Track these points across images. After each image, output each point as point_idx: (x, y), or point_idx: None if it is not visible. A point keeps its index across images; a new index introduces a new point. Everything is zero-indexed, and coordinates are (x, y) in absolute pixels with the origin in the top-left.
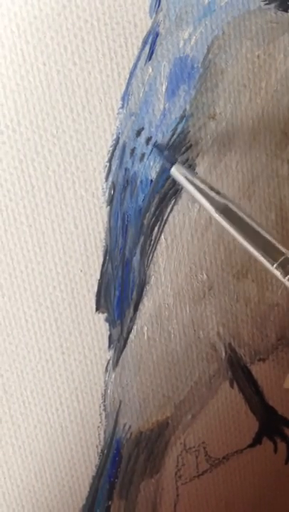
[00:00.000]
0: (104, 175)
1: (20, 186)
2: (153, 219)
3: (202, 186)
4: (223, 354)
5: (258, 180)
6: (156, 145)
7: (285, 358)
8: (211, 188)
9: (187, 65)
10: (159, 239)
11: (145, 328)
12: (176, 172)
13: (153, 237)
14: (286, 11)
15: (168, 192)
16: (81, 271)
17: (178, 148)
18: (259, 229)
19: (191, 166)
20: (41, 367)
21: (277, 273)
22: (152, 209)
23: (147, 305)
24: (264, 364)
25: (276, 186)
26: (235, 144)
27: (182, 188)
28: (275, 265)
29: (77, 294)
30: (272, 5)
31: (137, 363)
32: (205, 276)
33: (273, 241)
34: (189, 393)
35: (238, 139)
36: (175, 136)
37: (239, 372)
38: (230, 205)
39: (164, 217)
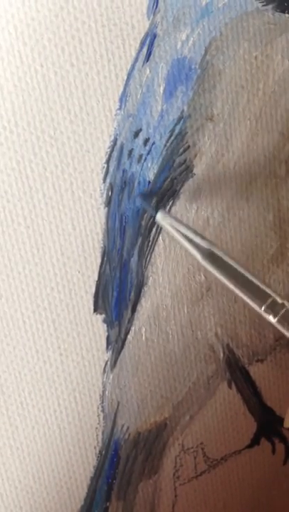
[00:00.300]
0: (102, 176)
1: (18, 188)
2: (151, 220)
3: (187, 233)
4: (221, 355)
5: (255, 181)
6: (141, 194)
7: (283, 359)
8: (196, 234)
9: (185, 66)
10: (156, 240)
11: (143, 329)
12: (161, 219)
13: (151, 239)
14: (284, 12)
15: (166, 193)
16: (79, 272)
17: (175, 149)
18: (245, 272)
19: (188, 168)
20: (39, 368)
21: (266, 315)
22: None
23: (145, 306)
24: (262, 365)
25: (274, 187)
26: (233, 145)
27: (180, 189)
28: (263, 308)
29: (75, 295)
30: (270, 6)
31: (135, 364)
32: (203, 277)
33: (260, 284)
34: (187, 394)
35: (235, 140)
36: (173, 138)
37: (237, 373)
38: (215, 251)
39: None
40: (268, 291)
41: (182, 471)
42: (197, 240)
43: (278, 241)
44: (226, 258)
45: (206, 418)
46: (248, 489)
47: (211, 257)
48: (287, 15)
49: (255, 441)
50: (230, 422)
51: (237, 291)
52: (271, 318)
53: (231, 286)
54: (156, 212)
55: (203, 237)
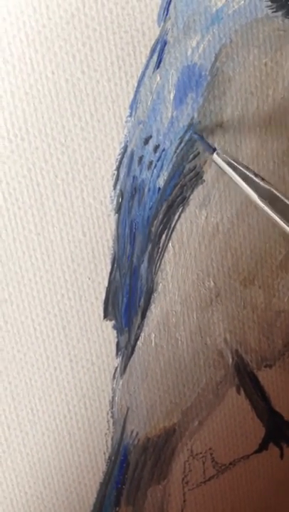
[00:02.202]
0: (112, 183)
1: (29, 195)
2: (161, 226)
3: (246, 172)
4: (230, 360)
5: None
6: (195, 132)
7: None
8: (256, 175)
9: (195, 73)
10: (166, 246)
11: (153, 335)
12: (218, 158)
13: (161, 245)
14: None
15: (176, 199)
16: (89, 278)
17: (185, 155)
18: None
19: (198, 174)
20: (49, 374)
21: None
22: (160, 217)
23: (155, 312)
24: (271, 370)
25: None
26: (243, 151)
27: (190, 196)
28: None
29: (85, 301)
30: (280, 13)
31: (145, 369)
32: (212, 283)
33: None
34: (196, 400)
35: (245, 147)
36: (183, 144)
37: (246, 378)
38: (275, 192)
39: (172, 225)
40: None
41: (191, 476)
42: (256, 179)
43: (287, 247)
44: (286, 200)
45: (214, 423)
46: (256, 494)
47: (269, 197)
48: None
49: (263, 446)
50: (238, 427)
51: None
52: None
53: (287, 228)
54: (214, 150)
55: (262, 178)
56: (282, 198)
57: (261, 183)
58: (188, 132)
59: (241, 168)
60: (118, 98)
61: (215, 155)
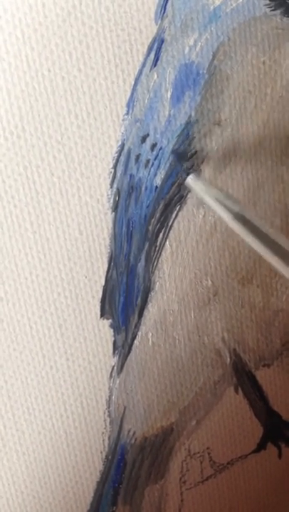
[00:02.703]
0: (109, 181)
1: (25, 193)
2: (158, 225)
3: (218, 196)
4: (228, 360)
5: (263, 186)
6: (174, 152)
7: None
8: (228, 197)
9: (192, 71)
10: (163, 245)
11: (150, 334)
12: (192, 182)
13: (158, 244)
14: None
15: (173, 198)
16: (86, 277)
17: (183, 154)
18: (276, 237)
19: (196, 172)
20: (45, 373)
21: None
22: (157, 215)
23: (152, 311)
24: (269, 370)
25: (281, 192)
26: (241, 150)
27: (187, 194)
28: None
29: (81, 300)
30: (278, 11)
31: (142, 368)
32: (210, 282)
33: None
34: (194, 399)
35: (243, 145)
36: (180, 143)
37: (244, 377)
38: (246, 214)
39: (169, 224)
40: None
41: (188, 475)
42: (228, 203)
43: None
44: (257, 222)
45: (212, 423)
46: (254, 494)
47: (241, 219)
48: None
49: (261, 446)
50: (236, 427)
51: (266, 256)
52: None
53: (260, 250)
54: (187, 174)
55: (235, 200)
56: (253, 220)
57: (233, 206)
58: (184, 131)
59: (214, 192)
60: (115, 96)
61: (188, 179)
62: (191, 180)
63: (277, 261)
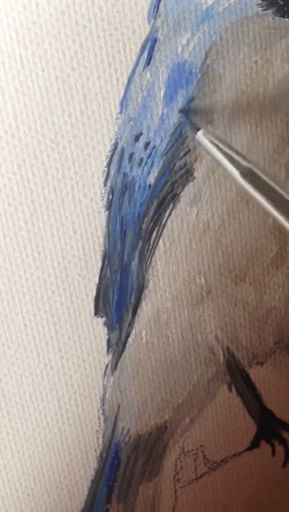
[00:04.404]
0: (102, 180)
1: (19, 191)
2: (151, 224)
3: (228, 151)
4: (222, 358)
5: None
6: (182, 110)
7: (282, 362)
8: (238, 153)
9: (185, 70)
10: (157, 243)
11: (144, 332)
12: (202, 137)
13: (151, 242)
14: (283, 17)
15: (166, 197)
16: (80, 275)
17: (176, 153)
18: (283, 193)
19: (189, 171)
20: (40, 371)
21: None
22: (151, 214)
23: (146, 309)
24: (262, 367)
25: None
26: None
27: (180, 193)
28: None
29: (75, 298)
30: (270, 11)
31: (136, 366)
32: (203, 280)
33: None
34: (188, 397)
35: (235, 144)
36: (173, 141)
37: (237, 375)
38: (255, 170)
39: (163, 222)
40: None
41: (182, 473)
42: (236, 158)
43: (278, 244)
44: (265, 177)
45: (206, 421)
46: (248, 491)
47: (249, 175)
48: (287, 19)
49: (255, 444)
50: (230, 425)
51: (274, 212)
52: None
53: (268, 207)
54: (198, 130)
55: (243, 156)
56: (261, 175)
57: (242, 161)
58: (177, 130)
59: (223, 147)
60: (108, 95)
61: (199, 134)
62: (200, 134)
63: (285, 218)
